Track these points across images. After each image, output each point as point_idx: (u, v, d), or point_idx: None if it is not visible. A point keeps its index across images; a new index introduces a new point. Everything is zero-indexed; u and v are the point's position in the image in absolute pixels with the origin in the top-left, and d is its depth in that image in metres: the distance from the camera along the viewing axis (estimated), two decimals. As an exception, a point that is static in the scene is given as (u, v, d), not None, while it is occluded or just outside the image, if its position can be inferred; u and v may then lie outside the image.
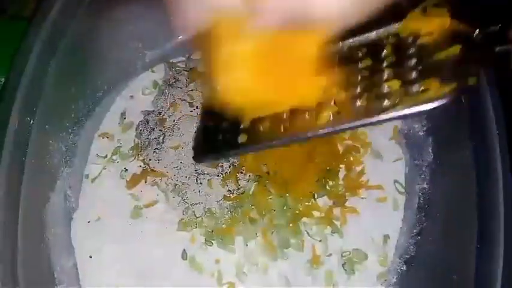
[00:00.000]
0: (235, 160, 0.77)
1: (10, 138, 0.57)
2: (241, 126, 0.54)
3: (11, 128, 0.57)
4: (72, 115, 0.75)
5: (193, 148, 0.63)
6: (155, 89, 0.87)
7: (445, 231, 0.74)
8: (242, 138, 0.53)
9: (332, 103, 0.50)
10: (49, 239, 0.68)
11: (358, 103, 0.49)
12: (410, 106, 0.45)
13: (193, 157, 0.63)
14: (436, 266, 0.73)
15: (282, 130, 0.51)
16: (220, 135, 0.55)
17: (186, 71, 0.87)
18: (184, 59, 0.90)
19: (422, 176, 0.81)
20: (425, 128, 0.82)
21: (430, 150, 0.80)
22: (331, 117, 0.49)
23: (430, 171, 0.80)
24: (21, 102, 0.60)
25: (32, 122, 0.62)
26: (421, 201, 0.80)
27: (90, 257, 0.74)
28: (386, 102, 0.47)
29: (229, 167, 0.76)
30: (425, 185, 0.80)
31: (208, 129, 0.58)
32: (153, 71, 0.89)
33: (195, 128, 0.77)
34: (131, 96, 0.87)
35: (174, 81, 0.84)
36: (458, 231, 0.70)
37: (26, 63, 0.61)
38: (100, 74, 0.80)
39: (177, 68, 0.88)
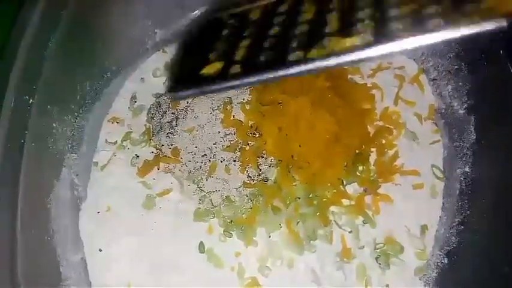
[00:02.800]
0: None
1: (6, 116, 0.51)
2: (235, 58, 0.46)
3: (7, 105, 0.51)
4: (78, 97, 0.70)
5: (172, 76, 0.54)
6: (167, 70, 0.81)
7: (491, 219, 0.67)
8: (235, 69, 0.45)
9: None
10: (54, 231, 0.63)
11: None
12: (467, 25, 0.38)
13: (169, 88, 0.53)
14: (483, 258, 0.66)
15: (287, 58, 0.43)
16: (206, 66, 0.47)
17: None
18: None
19: (464, 159, 0.74)
20: (466, 105, 0.74)
21: (473, 130, 0.73)
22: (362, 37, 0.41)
23: (473, 153, 0.73)
24: (18, 78, 0.54)
25: (31, 101, 0.56)
26: (463, 187, 0.73)
27: (100, 250, 0.68)
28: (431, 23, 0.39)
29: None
30: (467, 169, 0.73)
31: (190, 56, 0.50)
32: (164, 51, 0.83)
33: (210, 109, 0.71)
34: (142, 79, 0.81)
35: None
36: (508, 218, 0.64)
37: (22, 35, 0.55)
38: (107, 53, 0.75)
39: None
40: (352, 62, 0.41)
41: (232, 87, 0.47)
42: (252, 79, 0.45)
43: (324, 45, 0.42)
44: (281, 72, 0.43)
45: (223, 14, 0.52)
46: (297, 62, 0.42)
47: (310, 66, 0.42)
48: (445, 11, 0.40)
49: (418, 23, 0.40)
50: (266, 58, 0.45)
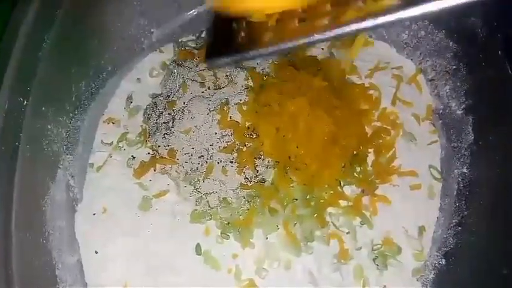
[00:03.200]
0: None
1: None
2: (268, 24, 0.46)
3: (1, 107, 0.51)
4: (73, 98, 0.69)
5: (207, 47, 0.54)
6: (163, 71, 0.81)
7: (489, 220, 0.67)
8: (267, 36, 0.45)
9: None
10: (50, 233, 0.62)
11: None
12: None
13: (206, 58, 0.53)
14: (481, 259, 0.66)
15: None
16: (242, 33, 0.47)
17: (197, 49, 0.80)
18: (194, 37, 0.84)
19: (462, 160, 0.73)
20: (464, 106, 0.74)
21: (471, 131, 0.73)
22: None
23: (471, 154, 0.72)
24: (12, 79, 0.53)
25: (25, 102, 0.55)
26: (461, 188, 0.72)
27: (96, 252, 0.68)
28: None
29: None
30: (465, 170, 0.73)
31: (225, 26, 0.50)
32: (161, 51, 0.83)
33: (207, 110, 0.70)
34: (138, 79, 0.81)
35: (184, 61, 0.77)
36: (507, 219, 0.63)
37: (16, 36, 0.54)
38: (103, 53, 0.74)
39: (186, 47, 0.81)
40: (389, 23, 0.40)
41: (268, 55, 0.47)
42: (287, 45, 0.44)
43: (360, 7, 0.42)
44: (317, 36, 0.42)
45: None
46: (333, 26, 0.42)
47: (346, 29, 0.41)
48: None
49: None
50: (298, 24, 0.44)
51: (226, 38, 0.48)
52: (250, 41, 0.47)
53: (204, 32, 0.80)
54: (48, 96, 0.61)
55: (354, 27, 0.41)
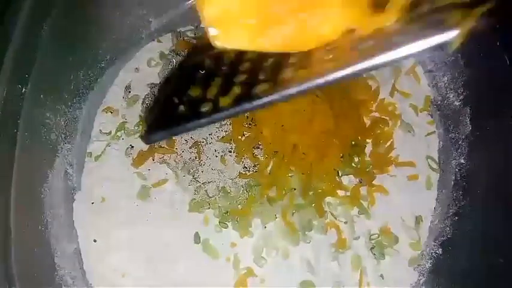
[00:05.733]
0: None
1: (-3, 106, 0.50)
2: (207, 96, 0.47)
3: (-1, 95, 0.51)
4: (72, 86, 0.69)
5: (148, 125, 0.55)
6: (162, 60, 0.80)
7: (487, 209, 0.67)
8: (206, 107, 0.46)
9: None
10: (48, 221, 0.63)
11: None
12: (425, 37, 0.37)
13: (141, 136, 0.54)
14: (477, 249, 0.66)
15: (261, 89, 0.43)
16: (181, 106, 0.48)
17: (195, 39, 0.80)
18: (192, 27, 0.83)
19: (459, 151, 0.73)
20: (462, 97, 0.74)
21: (468, 122, 0.72)
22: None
23: (468, 144, 0.72)
24: (11, 67, 0.53)
25: (24, 90, 0.55)
26: (458, 178, 0.73)
27: (95, 241, 0.68)
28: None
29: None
30: (462, 160, 0.73)
31: (165, 101, 0.51)
32: (159, 41, 0.82)
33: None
34: (136, 69, 0.80)
35: (182, 51, 0.77)
36: (504, 209, 0.64)
37: (14, 22, 0.54)
38: (101, 42, 0.74)
39: (185, 37, 0.81)
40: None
41: (204, 125, 0.47)
42: (221, 114, 0.45)
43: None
44: (246, 106, 0.44)
45: (198, 57, 0.52)
46: (263, 95, 0.43)
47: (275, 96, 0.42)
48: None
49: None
50: (235, 93, 0.45)
51: (166, 113, 0.49)
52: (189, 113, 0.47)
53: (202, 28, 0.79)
54: (47, 84, 0.61)
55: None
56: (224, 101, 0.45)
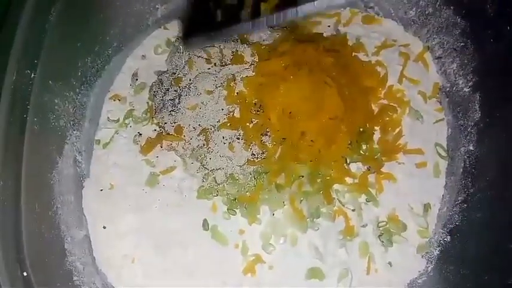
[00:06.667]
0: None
1: (8, 89, 0.50)
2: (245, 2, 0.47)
3: (9, 79, 0.50)
4: (79, 73, 0.69)
5: (184, 28, 0.54)
6: (168, 48, 0.80)
7: (496, 196, 0.67)
8: (245, 12, 0.45)
9: None
10: (58, 208, 0.63)
11: None
12: None
13: (183, 38, 0.53)
14: (486, 235, 0.66)
15: None
16: (219, 10, 0.47)
17: (202, 26, 0.80)
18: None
19: (468, 138, 0.73)
20: (471, 83, 0.73)
21: (478, 108, 0.72)
22: None
23: (477, 131, 0.72)
24: (19, 51, 0.53)
25: (33, 75, 0.55)
26: (467, 165, 0.72)
27: (104, 227, 0.68)
28: None
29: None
30: (471, 147, 0.72)
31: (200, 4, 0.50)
32: (166, 28, 0.82)
33: (213, 86, 0.70)
34: (143, 56, 0.80)
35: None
36: (512, 197, 0.63)
37: (22, 8, 0.54)
38: (108, 29, 0.73)
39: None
40: None
41: (244, 30, 0.46)
42: (262, 20, 0.45)
43: None
44: (289, 13, 0.44)
45: None
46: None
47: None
48: None
49: None
50: None
51: (203, 17, 0.48)
52: (227, 18, 0.46)
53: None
54: (55, 70, 0.61)
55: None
56: (264, 6, 0.44)
